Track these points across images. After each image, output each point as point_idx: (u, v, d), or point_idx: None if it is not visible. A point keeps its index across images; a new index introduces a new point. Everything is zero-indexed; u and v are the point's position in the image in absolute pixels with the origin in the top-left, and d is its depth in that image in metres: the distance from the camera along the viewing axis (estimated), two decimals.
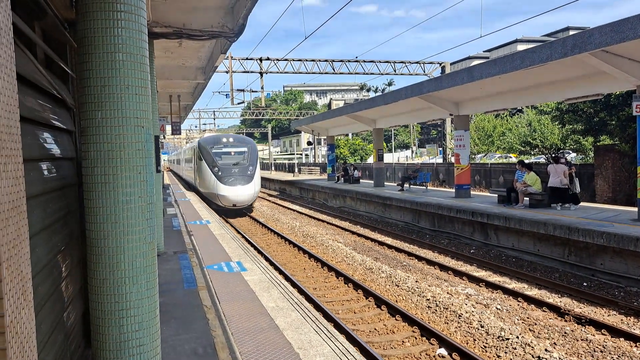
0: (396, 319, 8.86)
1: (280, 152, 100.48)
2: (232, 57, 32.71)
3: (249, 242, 16.66)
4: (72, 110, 4.31)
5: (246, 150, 26.12)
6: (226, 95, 39.96)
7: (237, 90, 36.36)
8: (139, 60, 3.85)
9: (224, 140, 26.56)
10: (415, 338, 7.96)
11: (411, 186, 25.01)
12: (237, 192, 23.56)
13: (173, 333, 6.15)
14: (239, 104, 38.19)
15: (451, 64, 41.64)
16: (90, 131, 3.75)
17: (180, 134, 33.17)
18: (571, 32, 37.80)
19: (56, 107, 3.68)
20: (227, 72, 35.46)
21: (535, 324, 8.44)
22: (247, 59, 35.17)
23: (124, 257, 3.78)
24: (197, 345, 5.80)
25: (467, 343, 7.75)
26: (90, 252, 3.81)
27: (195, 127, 76.26)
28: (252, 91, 34.69)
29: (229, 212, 25.07)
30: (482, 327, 8.27)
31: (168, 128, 36.26)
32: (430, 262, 13.28)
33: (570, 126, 23.07)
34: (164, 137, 47.39)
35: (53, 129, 3.52)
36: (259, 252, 14.96)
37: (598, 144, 21.46)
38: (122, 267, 3.77)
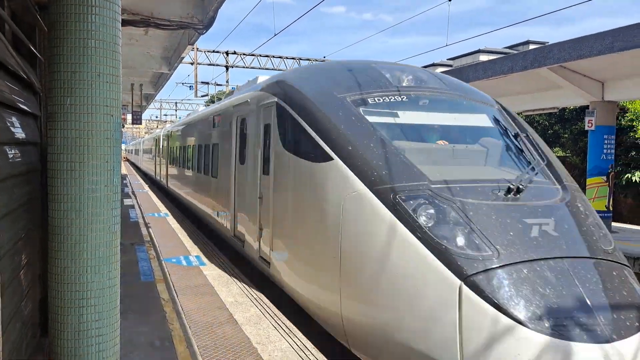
0: None
1: None
2: (197, 49, 32.31)
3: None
4: (39, 95, 4.22)
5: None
6: (190, 87, 39.37)
7: (202, 82, 35.89)
8: (111, 48, 3.82)
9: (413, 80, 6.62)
10: None
11: None
12: None
13: (130, 325, 6.08)
14: (202, 96, 37.70)
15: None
16: (58, 117, 3.70)
17: (140, 123, 32.48)
18: (531, 46, 39.13)
19: (23, 90, 3.61)
20: (192, 63, 34.96)
21: None
22: (213, 51, 34.76)
23: (87, 246, 3.74)
24: (154, 337, 5.77)
25: None
26: (52, 239, 3.75)
27: (156, 117, 74.77)
28: (217, 84, 34.32)
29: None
30: None
31: (128, 117, 35.51)
32: None
33: None
34: (124, 126, 45.52)
35: (19, 112, 3.46)
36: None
37: None
38: (85, 256, 3.74)
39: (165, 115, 72.43)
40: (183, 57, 16.54)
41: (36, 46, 4.04)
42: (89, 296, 3.76)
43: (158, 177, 27.92)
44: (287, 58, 36.47)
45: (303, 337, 6.09)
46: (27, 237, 3.68)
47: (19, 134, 3.39)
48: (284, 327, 6.36)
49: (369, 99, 5.92)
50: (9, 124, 3.20)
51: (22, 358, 3.41)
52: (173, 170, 21.11)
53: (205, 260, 10.16)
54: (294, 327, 6.42)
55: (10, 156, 3.26)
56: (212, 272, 9.12)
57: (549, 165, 5.89)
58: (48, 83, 3.81)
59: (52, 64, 3.73)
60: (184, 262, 9.89)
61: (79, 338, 3.74)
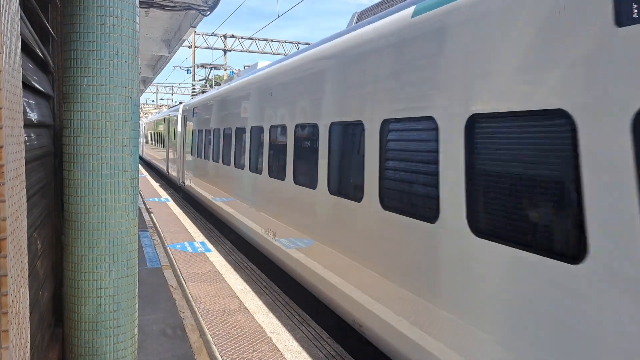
0: None
1: None
2: (195, 32, 31.86)
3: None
4: (52, 74, 4.02)
5: None
6: (187, 70, 38.96)
7: (199, 66, 35.45)
8: (129, 25, 3.62)
9: None
10: None
11: None
12: None
13: (139, 313, 5.93)
14: (200, 80, 37.31)
15: None
16: (74, 98, 3.51)
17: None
18: None
19: (36, 68, 3.41)
20: (189, 47, 34.53)
21: None
22: (211, 34, 34.33)
23: (105, 234, 3.58)
24: (165, 326, 5.64)
25: None
26: (68, 227, 3.59)
27: (152, 101, 74.12)
28: (215, 68, 33.89)
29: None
30: None
31: None
32: None
33: None
34: None
35: (34, 92, 3.27)
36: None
37: None
38: (103, 244, 3.58)
39: (162, 99, 71.89)
40: (184, 40, 16.23)
41: (49, 22, 3.83)
42: (106, 286, 3.61)
43: (175, 174, 19.46)
44: (285, 42, 36.09)
45: (317, 326, 5.98)
46: (43, 224, 3.51)
47: (32, 115, 3.20)
48: (297, 316, 6.24)
49: None
50: (23, 104, 3.01)
51: (39, 350, 3.26)
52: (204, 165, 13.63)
53: (210, 246, 10.01)
54: (307, 315, 6.30)
55: (25, 139, 3.07)
56: (219, 259, 8.98)
57: None
58: (63, 62, 3.62)
59: (67, 42, 3.53)
60: (189, 249, 9.74)
61: (97, 329, 3.60)
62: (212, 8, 10.38)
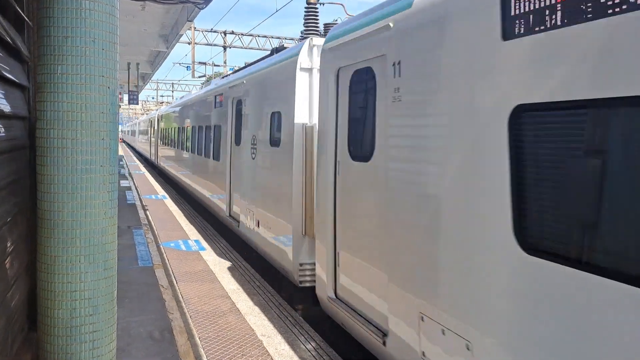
0: None
1: None
2: (195, 28, 31.61)
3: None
4: (27, 64, 3.80)
5: None
6: (187, 67, 38.66)
7: (199, 62, 35.23)
8: (107, 10, 3.39)
9: None
10: None
11: None
12: None
13: (127, 314, 5.73)
14: (199, 77, 37.07)
15: None
16: (48, 87, 3.29)
17: (137, 103, 31.93)
18: None
19: (8, 57, 3.20)
20: (189, 43, 34.24)
21: None
22: (211, 30, 34.04)
23: (80, 233, 3.35)
24: (153, 328, 5.42)
25: None
26: (41, 225, 3.36)
27: (153, 98, 73.89)
28: (215, 65, 33.67)
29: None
30: None
31: (125, 97, 34.89)
32: None
33: None
34: (120, 107, 44.73)
35: (4, 82, 3.05)
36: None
37: None
38: (78, 244, 3.35)
39: (162, 96, 71.69)
40: (181, 35, 16.00)
41: (24, 9, 3.61)
42: (82, 288, 3.38)
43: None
44: (285, 39, 35.82)
45: (311, 329, 5.76)
46: (14, 222, 3.30)
47: (3, 106, 2.99)
48: (290, 318, 6.03)
49: None
50: None
51: (8, 355, 3.05)
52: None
53: (204, 244, 9.80)
54: (301, 318, 6.09)
55: None
56: (212, 258, 8.77)
57: None
58: (38, 50, 3.40)
59: (41, 27, 3.30)
60: (182, 247, 9.53)
61: (71, 335, 3.37)
62: (207, 1, 10.15)
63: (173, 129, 20.19)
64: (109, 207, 3.47)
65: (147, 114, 55.45)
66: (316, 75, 6.48)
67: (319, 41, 6.75)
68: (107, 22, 3.38)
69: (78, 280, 3.38)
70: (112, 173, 3.50)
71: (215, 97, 11.67)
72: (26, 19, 3.62)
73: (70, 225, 3.33)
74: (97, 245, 3.42)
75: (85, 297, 3.40)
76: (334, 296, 5.26)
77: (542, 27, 2.80)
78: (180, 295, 6.63)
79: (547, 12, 2.77)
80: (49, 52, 3.26)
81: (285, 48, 8.09)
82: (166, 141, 22.24)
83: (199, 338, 5.31)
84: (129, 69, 24.01)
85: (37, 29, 3.36)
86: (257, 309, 6.29)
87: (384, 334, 4.28)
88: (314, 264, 5.93)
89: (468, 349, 3.29)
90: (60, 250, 3.33)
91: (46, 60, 3.27)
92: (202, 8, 10.61)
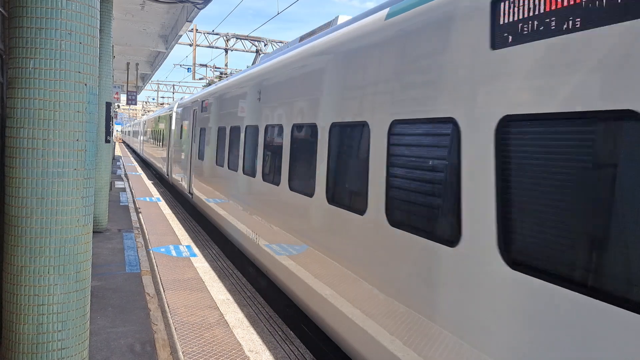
0: None
1: None
2: (196, 29, 31.41)
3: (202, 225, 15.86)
4: (2, 57, 3.54)
5: None
6: (188, 69, 38.43)
7: (200, 64, 34.99)
8: (87, 1, 3.14)
9: None
10: None
11: None
12: None
13: (108, 324, 5.45)
14: (200, 79, 36.84)
15: None
16: (19, 83, 3.03)
17: (136, 104, 31.63)
18: None
19: None
20: (190, 44, 34.04)
21: None
22: (212, 33, 33.82)
23: (50, 242, 3.09)
24: (134, 340, 5.14)
25: None
26: (8, 232, 3.10)
27: (153, 99, 73.67)
28: (216, 68, 33.43)
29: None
30: None
31: (123, 97, 34.61)
32: None
33: None
34: (119, 107, 44.22)
35: None
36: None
37: None
38: (47, 254, 3.09)
39: (162, 97, 71.45)
40: (181, 35, 15.75)
41: None
42: (50, 302, 3.12)
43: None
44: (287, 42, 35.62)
45: (301, 345, 5.47)
46: None
47: None
48: (280, 333, 5.74)
49: None
50: None
51: None
52: None
53: (196, 250, 9.51)
54: (292, 332, 5.80)
55: None
56: (203, 265, 8.47)
57: None
58: (10, 42, 3.14)
59: (13, 17, 3.05)
60: (173, 252, 9.24)
61: (37, 352, 3.10)
62: (206, 1, 9.92)
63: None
64: (82, 214, 3.20)
65: (147, 114, 54.69)
66: None
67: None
68: (86, 13, 3.13)
69: (46, 293, 3.11)
70: (87, 177, 3.23)
71: None
72: (1, 9, 3.36)
73: (39, 233, 3.07)
74: (68, 256, 3.15)
75: (53, 311, 3.13)
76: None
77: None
78: (166, 305, 6.34)
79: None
80: (20, 45, 3.00)
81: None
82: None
83: (183, 353, 5.02)
84: (127, 69, 23.76)
85: (9, 19, 3.11)
86: (246, 321, 6.00)
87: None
88: None
89: None
90: (28, 260, 3.06)
91: (17, 53, 3.01)
92: (201, 8, 10.38)
